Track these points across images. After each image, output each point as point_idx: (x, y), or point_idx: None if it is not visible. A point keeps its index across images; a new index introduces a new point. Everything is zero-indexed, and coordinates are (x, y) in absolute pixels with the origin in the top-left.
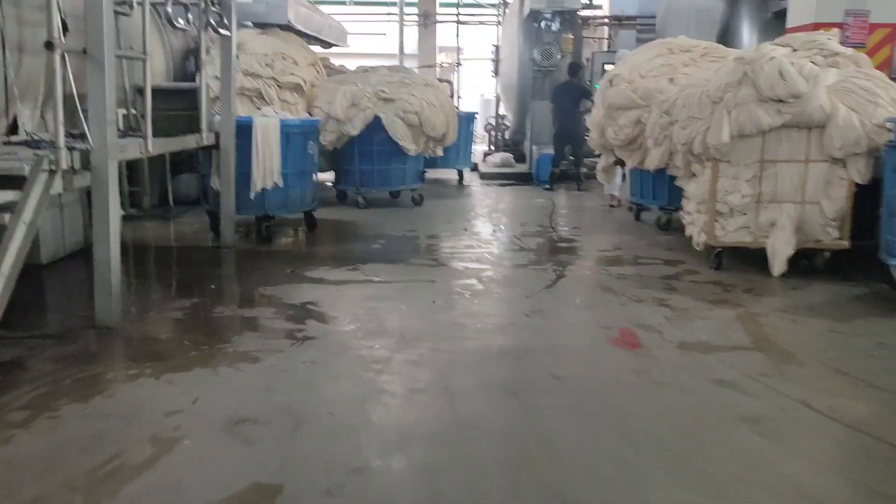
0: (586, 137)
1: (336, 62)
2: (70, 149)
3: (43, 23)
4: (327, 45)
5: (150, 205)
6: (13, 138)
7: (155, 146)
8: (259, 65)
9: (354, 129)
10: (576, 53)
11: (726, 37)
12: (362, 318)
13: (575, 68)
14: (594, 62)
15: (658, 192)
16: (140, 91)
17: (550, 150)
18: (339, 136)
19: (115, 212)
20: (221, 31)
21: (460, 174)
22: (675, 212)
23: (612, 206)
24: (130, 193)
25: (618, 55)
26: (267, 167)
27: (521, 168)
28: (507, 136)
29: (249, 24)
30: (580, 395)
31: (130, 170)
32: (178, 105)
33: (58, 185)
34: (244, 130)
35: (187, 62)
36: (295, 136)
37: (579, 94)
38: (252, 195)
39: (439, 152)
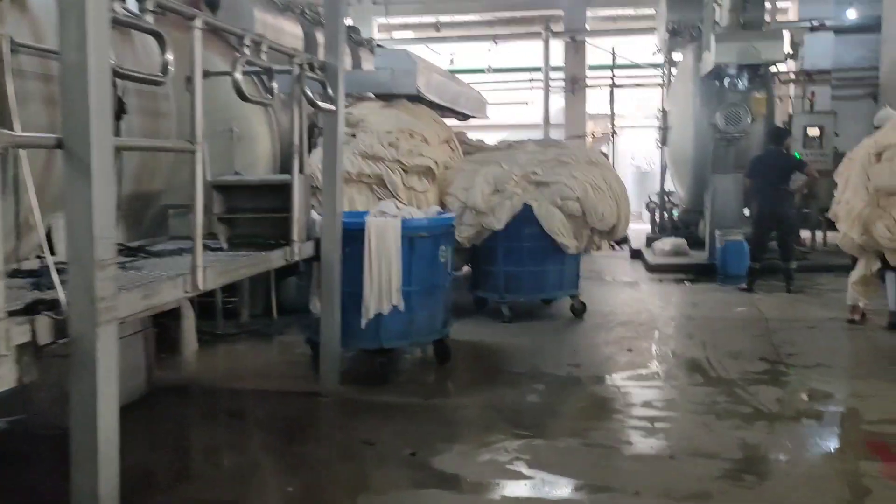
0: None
1: (473, 136)
2: (26, 311)
3: None
4: (464, 116)
5: (248, 317)
6: (24, 264)
7: (209, 279)
8: (381, 145)
9: (499, 223)
10: (769, 116)
11: None
12: None
13: (779, 134)
14: (791, 125)
15: None
16: (219, 188)
17: (738, 237)
18: (478, 230)
19: (110, 416)
20: (323, 104)
21: None
22: None
23: (852, 320)
24: (225, 305)
25: (880, 116)
26: (383, 284)
27: (699, 258)
28: (675, 216)
29: (370, 95)
30: None
31: None
32: (268, 204)
33: (7, 380)
34: (354, 235)
35: None
36: (422, 241)
37: (788, 166)
38: (363, 322)
39: (605, 248)
